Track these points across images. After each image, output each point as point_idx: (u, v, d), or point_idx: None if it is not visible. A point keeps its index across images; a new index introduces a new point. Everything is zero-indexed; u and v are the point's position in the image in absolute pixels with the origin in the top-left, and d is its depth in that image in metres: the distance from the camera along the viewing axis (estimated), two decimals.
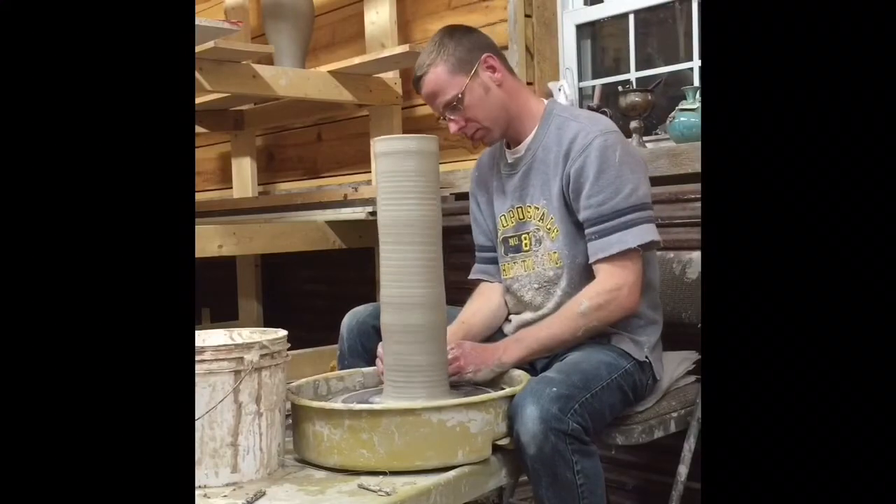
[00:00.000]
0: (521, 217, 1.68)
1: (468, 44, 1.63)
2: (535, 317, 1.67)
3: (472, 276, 1.83)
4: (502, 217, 1.72)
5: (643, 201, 1.56)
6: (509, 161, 1.71)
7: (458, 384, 1.53)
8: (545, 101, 1.71)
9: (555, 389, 1.37)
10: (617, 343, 1.59)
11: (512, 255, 1.71)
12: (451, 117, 1.64)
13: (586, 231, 1.57)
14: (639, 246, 1.54)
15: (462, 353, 1.52)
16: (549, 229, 1.63)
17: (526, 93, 1.71)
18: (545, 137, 1.64)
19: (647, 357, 1.60)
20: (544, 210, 1.64)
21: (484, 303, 1.76)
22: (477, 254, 1.83)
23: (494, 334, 1.74)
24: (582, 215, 1.57)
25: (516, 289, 1.70)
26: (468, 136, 1.66)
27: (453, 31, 1.66)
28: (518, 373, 1.55)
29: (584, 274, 1.61)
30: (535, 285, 1.66)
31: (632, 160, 1.57)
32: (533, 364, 1.65)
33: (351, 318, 1.75)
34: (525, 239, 1.68)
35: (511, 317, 1.74)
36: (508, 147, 1.72)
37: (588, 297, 1.55)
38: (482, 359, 1.53)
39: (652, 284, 1.67)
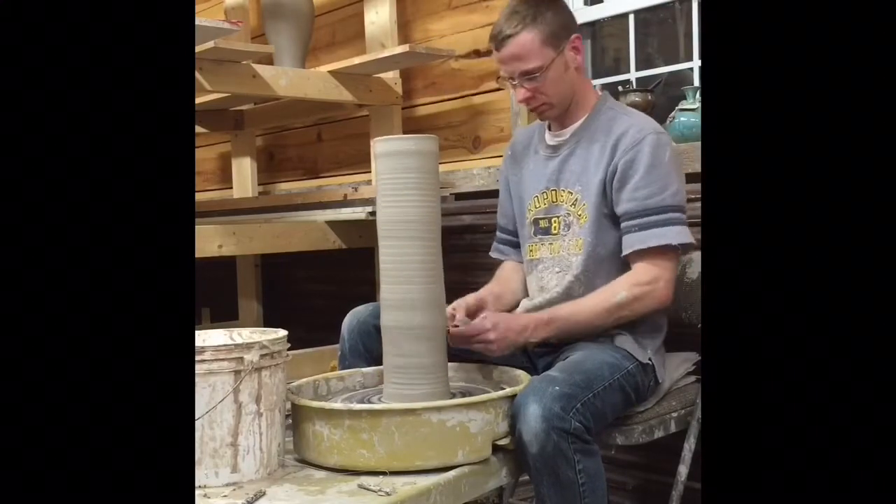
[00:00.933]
0: (554, 200, 1.69)
1: (564, 20, 1.64)
2: (542, 301, 1.68)
3: (491, 254, 1.86)
4: (535, 198, 1.72)
5: (683, 204, 1.59)
6: (550, 143, 1.72)
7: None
8: (599, 94, 1.74)
9: (557, 388, 1.37)
10: (620, 344, 1.59)
11: (541, 236, 1.71)
12: (525, 85, 1.63)
13: (625, 223, 1.58)
14: (678, 245, 1.55)
15: (494, 327, 1.50)
16: (580, 216, 1.64)
17: (589, 83, 1.76)
18: (594, 126, 1.66)
19: (650, 359, 1.60)
20: (578, 196, 1.64)
21: (506, 286, 1.78)
22: (497, 233, 1.87)
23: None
24: (623, 207, 1.58)
25: (540, 270, 1.71)
26: (531, 107, 1.67)
27: (551, 2, 1.64)
28: (518, 372, 1.55)
29: (601, 265, 1.62)
30: (557, 269, 1.68)
31: (677, 163, 1.61)
32: (534, 363, 1.65)
33: (352, 318, 1.74)
34: (555, 222, 1.68)
35: (523, 301, 1.75)
36: (550, 129, 1.74)
37: (625, 287, 1.55)
38: (511, 339, 1.52)
39: None
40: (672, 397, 1.69)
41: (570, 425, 1.35)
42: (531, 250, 1.73)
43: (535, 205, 1.72)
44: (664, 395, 1.68)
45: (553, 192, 1.69)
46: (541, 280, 1.71)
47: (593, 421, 1.40)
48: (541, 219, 1.71)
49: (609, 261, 1.61)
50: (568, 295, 1.64)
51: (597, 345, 1.59)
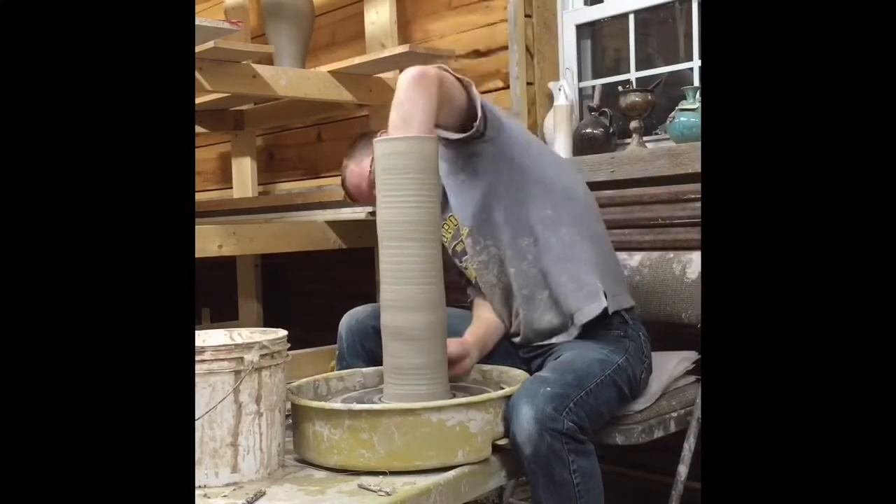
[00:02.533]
0: (455, 223, 1.74)
1: None
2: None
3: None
4: (444, 226, 1.75)
5: None
6: None
7: (457, 384, 1.54)
8: None
9: (549, 389, 1.37)
10: (605, 340, 1.59)
11: (466, 258, 1.74)
12: None
13: None
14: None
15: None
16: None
17: None
18: None
19: (640, 334, 1.65)
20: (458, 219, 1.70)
21: (483, 327, 1.74)
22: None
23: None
24: None
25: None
26: None
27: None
28: (517, 372, 1.55)
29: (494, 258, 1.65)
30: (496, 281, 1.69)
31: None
32: (528, 364, 1.64)
33: (350, 319, 1.74)
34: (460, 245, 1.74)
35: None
36: None
37: None
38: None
39: (603, 234, 1.71)
40: (672, 397, 1.70)
41: (563, 425, 1.35)
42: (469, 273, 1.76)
43: (449, 229, 1.76)
44: (663, 395, 1.68)
45: (451, 218, 1.73)
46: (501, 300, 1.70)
47: (587, 420, 1.40)
48: (456, 244, 1.75)
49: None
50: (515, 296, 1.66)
51: (585, 343, 1.59)
